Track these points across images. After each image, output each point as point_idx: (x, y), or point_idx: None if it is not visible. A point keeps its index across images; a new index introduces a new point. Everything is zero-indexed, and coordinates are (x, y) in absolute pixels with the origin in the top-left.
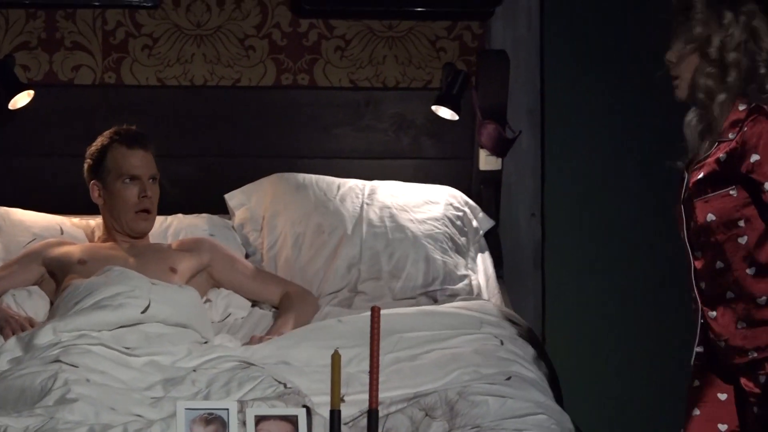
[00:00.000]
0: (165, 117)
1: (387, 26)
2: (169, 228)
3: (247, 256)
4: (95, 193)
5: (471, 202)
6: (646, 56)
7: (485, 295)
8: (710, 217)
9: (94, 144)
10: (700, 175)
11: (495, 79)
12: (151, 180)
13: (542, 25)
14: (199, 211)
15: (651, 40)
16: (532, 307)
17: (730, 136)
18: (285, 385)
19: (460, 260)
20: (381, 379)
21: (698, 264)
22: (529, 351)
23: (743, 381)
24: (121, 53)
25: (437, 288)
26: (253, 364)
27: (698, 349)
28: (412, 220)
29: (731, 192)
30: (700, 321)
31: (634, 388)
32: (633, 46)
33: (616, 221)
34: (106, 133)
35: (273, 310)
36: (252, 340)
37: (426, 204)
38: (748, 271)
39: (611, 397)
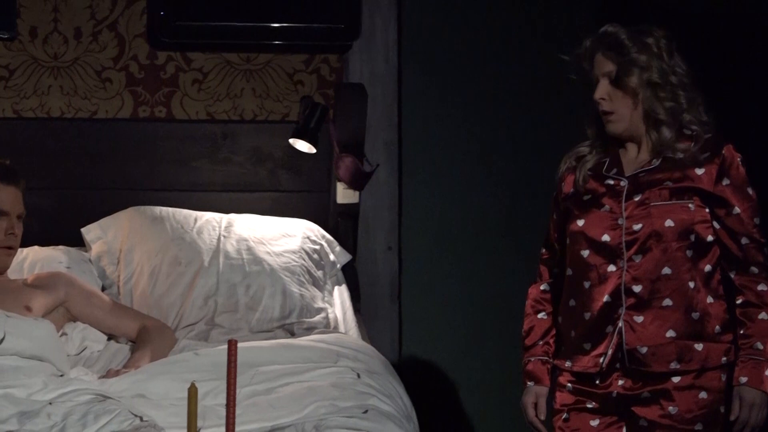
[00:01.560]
0: (21, 149)
1: (245, 59)
2: (26, 260)
3: (103, 289)
4: None
5: (328, 235)
6: (502, 91)
7: (342, 328)
8: (669, 223)
9: None
10: (667, 183)
11: (352, 113)
12: (18, 218)
13: (400, 59)
14: (56, 244)
15: (508, 75)
16: (389, 340)
17: (680, 155)
18: (141, 419)
19: (317, 293)
20: (237, 412)
21: (635, 267)
22: (386, 384)
23: (637, 410)
24: None
25: (294, 321)
26: (109, 398)
27: (610, 352)
28: (269, 253)
29: (689, 205)
30: (620, 325)
31: (492, 418)
32: (490, 81)
33: (472, 254)
34: None
35: (129, 343)
36: (108, 374)
37: (283, 237)
38: (690, 284)
39: (468, 428)
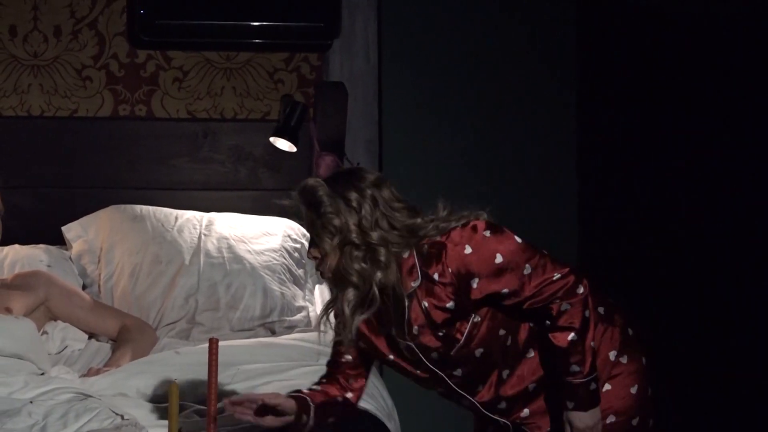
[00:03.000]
0: (1, 148)
1: (225, 57)
2: (6, 259)
3: (84, 288)
4: None
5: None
6: (483, 89)
7: (323, 327)
8: (479, 352)
9: None
10: (441, 333)
11: (333, 111)
12: None
13: (380, 57)
14: (37, 242)
15: (489, 72)
16: None
17: (413, 284)
18: (122, 417)
19: (298, 292)
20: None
21: (484, 395)
22: (367, 383)
23: None
24: None
25: (275, 319)
26: (90, 396)
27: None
28: (249, 251)
29: (476, 320)
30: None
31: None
32: (471, 79)
33: None
34: None
35: (110, 342)
36: (89, 372)
37: (264, 235)
38: (528, 355)
39: (449, 428)
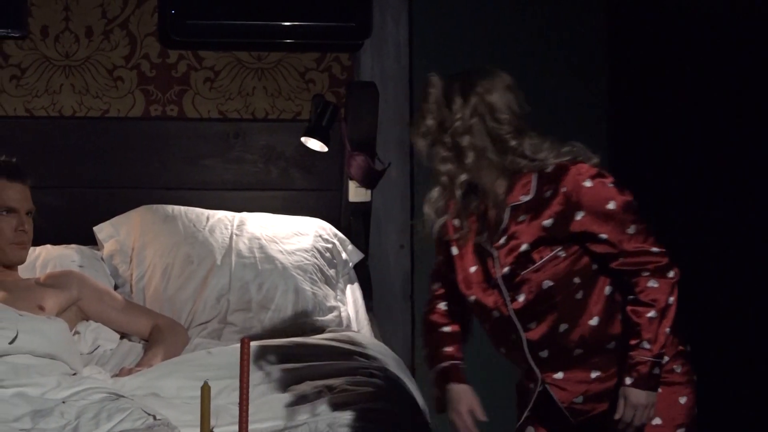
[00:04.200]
0: (33, 148)
1: (256, 57)
2: (38, 259)
3: (116, 288)
4: None
5: (340, 234)
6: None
7: (354, 327)
8: (547, 284)
9: None
10: (524, 247)
11: (364, 111)
12: (27, 214)
13: (411, 57)
14: (68, 243)
15: (519, 74)
16: (402, 339)
17: (522, 197)
18: (154, 417)
19: (330, 291)
20: (251, 411)
21: (534, 334)
22: (399, 383)
23: None
24: None
25: (306, 319)
26: (122, 396)
27: (527, 413)
28: (281, 251)
29: (560, 254)
30: (539, 389)
31: (506, 415)
32: None
33: None
34: None
35: (142, 342)
36: (121, 372)
37: (295, 235)
38: (591, 322)
39: (481, 427)
